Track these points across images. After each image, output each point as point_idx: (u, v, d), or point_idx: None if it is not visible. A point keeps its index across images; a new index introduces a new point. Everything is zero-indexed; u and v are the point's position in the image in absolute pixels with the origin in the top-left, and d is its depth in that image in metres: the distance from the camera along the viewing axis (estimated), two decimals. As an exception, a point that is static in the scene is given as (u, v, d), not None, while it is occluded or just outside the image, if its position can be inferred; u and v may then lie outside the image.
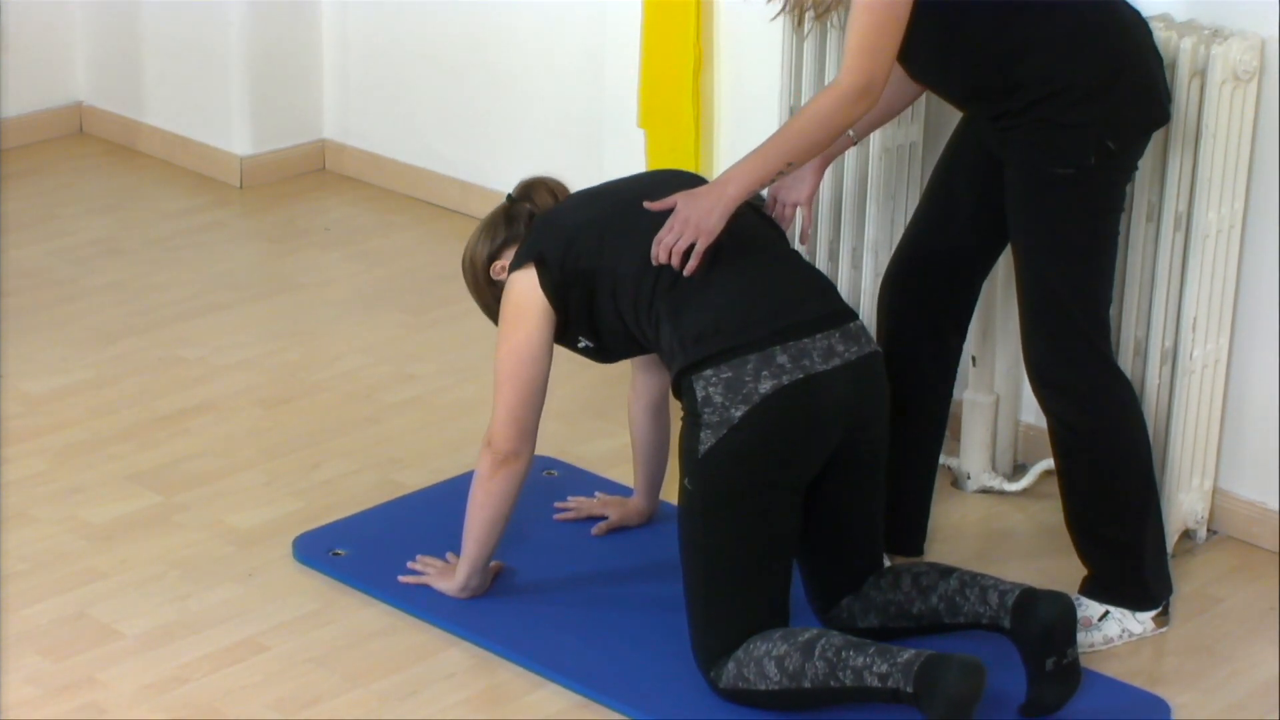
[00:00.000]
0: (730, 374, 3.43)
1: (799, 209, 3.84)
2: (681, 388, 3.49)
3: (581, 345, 3.69)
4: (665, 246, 3.51)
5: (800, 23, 3.84)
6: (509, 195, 3.78)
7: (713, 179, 3.61)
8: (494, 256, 3.73)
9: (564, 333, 3.66)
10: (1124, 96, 3.51)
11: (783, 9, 3.67)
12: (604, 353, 3.71)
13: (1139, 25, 3.58)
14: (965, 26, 3.51)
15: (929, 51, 3.55)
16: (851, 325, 3.51)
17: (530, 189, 3.79)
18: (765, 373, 3.42)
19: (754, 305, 3.49)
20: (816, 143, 3.53)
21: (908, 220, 3.97)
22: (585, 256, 3.58)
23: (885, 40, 3.45)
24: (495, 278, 3.74)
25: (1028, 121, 3.52)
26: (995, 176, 3.65)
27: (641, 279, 3.54)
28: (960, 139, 3.81)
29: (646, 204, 3.58)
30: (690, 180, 3.72)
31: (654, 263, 3.52)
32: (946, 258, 3.81)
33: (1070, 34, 3.49)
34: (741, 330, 3.45)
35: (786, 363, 3.43)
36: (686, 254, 3.51)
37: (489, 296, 3.77)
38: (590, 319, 3.63)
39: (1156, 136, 3.79)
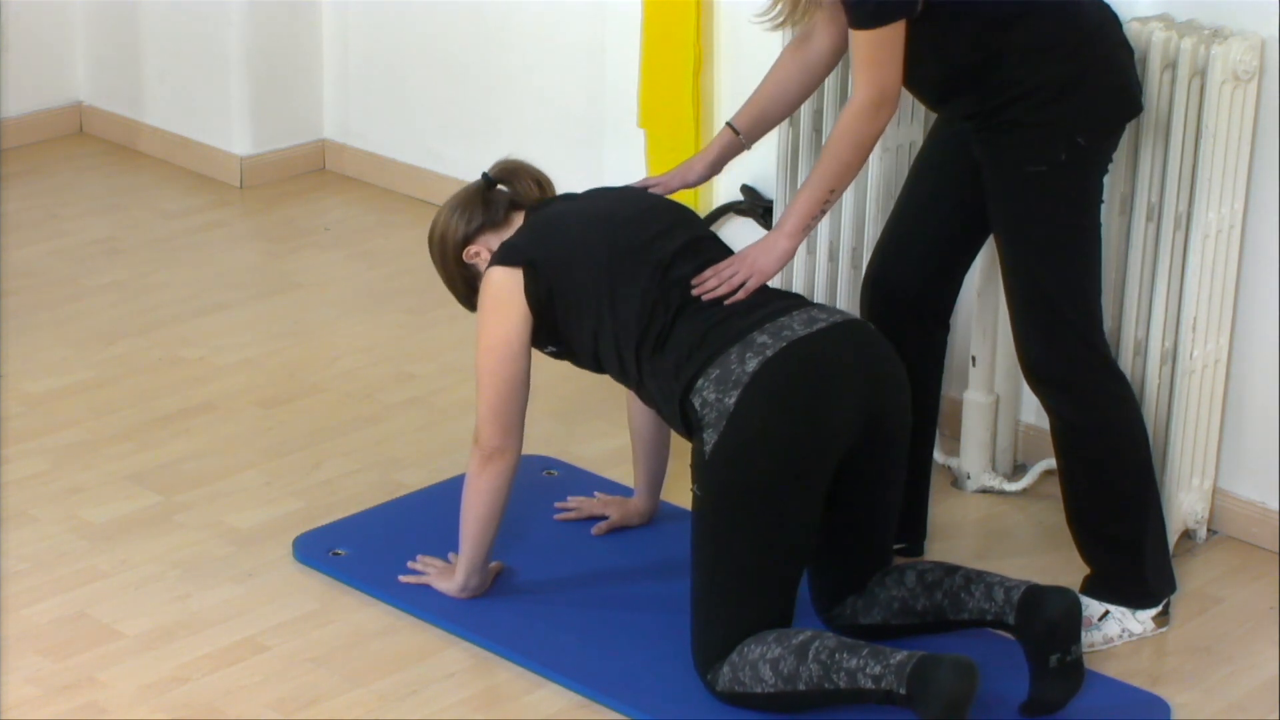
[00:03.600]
0: (718, 371, 3.43)
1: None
2: (684, 414, 3.49)
3: (549, 350, 3.70)
4: (719, 278, 3.55)
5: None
6: (485, 175, 3.77)
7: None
8: (469, 239, 3.73)
9: (534, 336, 3.66)
10: (1092, 94, 3.55)
11: (783, 20, 3.67)
12: (571, 358, 3.72)
13: (1109, 23, 3.61)
14: (940, 45, 3.54)
15: (909, 61, 3.59)
16: (830, 307, 3.53)
17: (512, 175, 3.78)
18: (749, 354, 3.43)
19: (729, 318, 3.50)
20: (849, 163, 3.56)
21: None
22: (579, 290, 3.58)
23: (889, 53, 3.48)
24: (467, 261, 3.74)
25: (998, 123, 3.56)
26: (972, 170, 3.67)
27: (626, 340, 3.56)
28: (936, 134, 3.83)
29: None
30: (678, 209, 3.73)
31: (696, 285, 3.54)
32: (925, 252, 3.83)
33: (1038, 39, 3.52)
34: (720, 341, 3.46)
35: (768, 340, 3.44)
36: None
37: (457, 276, 3.77)
38: (566, 340, 3.65)
39: (1157, 137, 3.80)
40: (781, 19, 3.65)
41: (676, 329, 3.52)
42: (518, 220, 3.74)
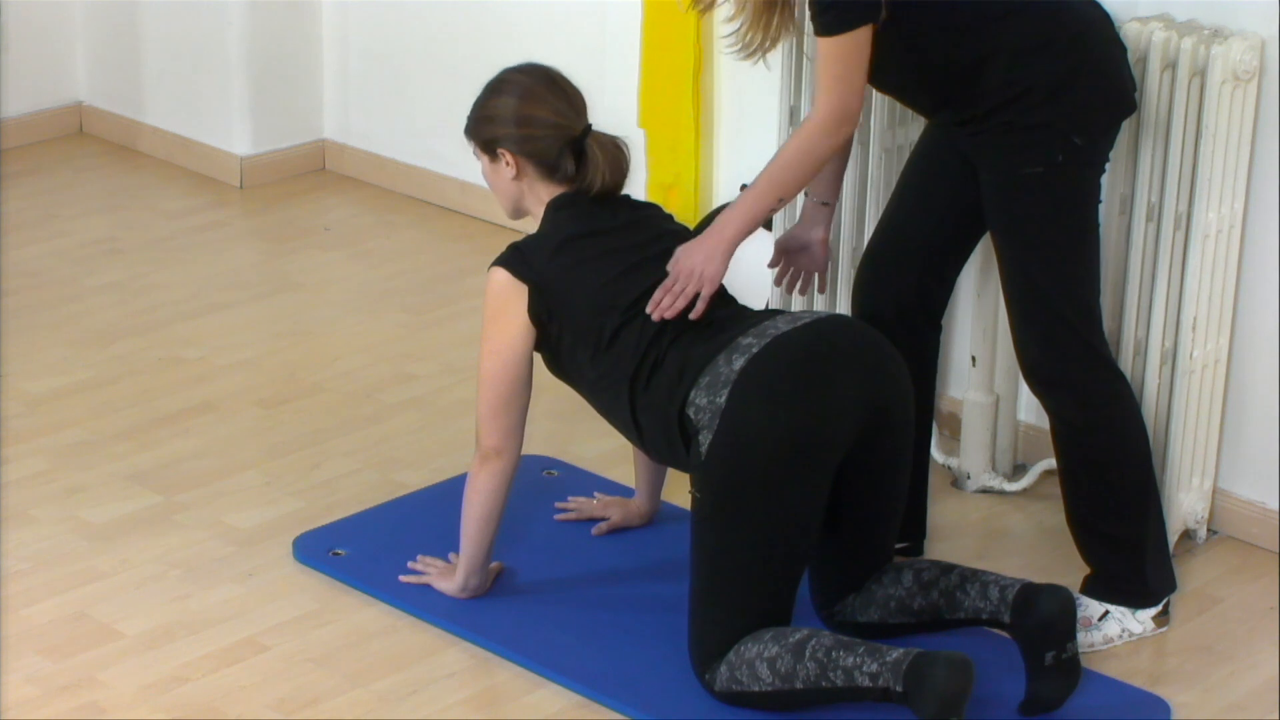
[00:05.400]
0: (708, 378, 3.43)
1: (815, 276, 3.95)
2: (681, 429, 3.48)
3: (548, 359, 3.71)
4: (672, 295, 3.54)
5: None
6: (589, 128, 3.64)
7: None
8: (509, 149, 3.65)
9: (536, 344, 3.66)
10: (1086, 93, 3.54)
11: (755, 48, 3.66)
12: (564, 376, 3.72)
13: (1100, 21, 3.61)
14: (925, 48, 3.55)
15: (891, 71, 3.61)
16: (815, 310, 3.54)
17: (593, 161, 3.64)
18: (735, 355, 3.43)
19: (714, 337, 3.51)
20: (802, 176, 3.59)
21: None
22: (579, 328, 3.58)
23: (853, 69, 3.50)
24: (497, 150, 3.67)
25: (993, 125, 3.56)
26: (966, 171, 3.68)
27: (620, 377, 3.55)
28: (930, 136, 3.84)
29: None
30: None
31: (654, 318, 3.54)
32: (917, 253, 3.83)
33: (1027, 38, 3.53)
34: (708, 354, 3.47)
35: (753, 341, 3.45)
36: (691, 302, 3.56)
37: (477, 134, 3.68)
38: (557, 357, 3.65)
39: (1156, 137, 3.80)
40: (754, 47, 3.64)
41: (665, 362, 3.52)
42: (556, 188, 3.68)
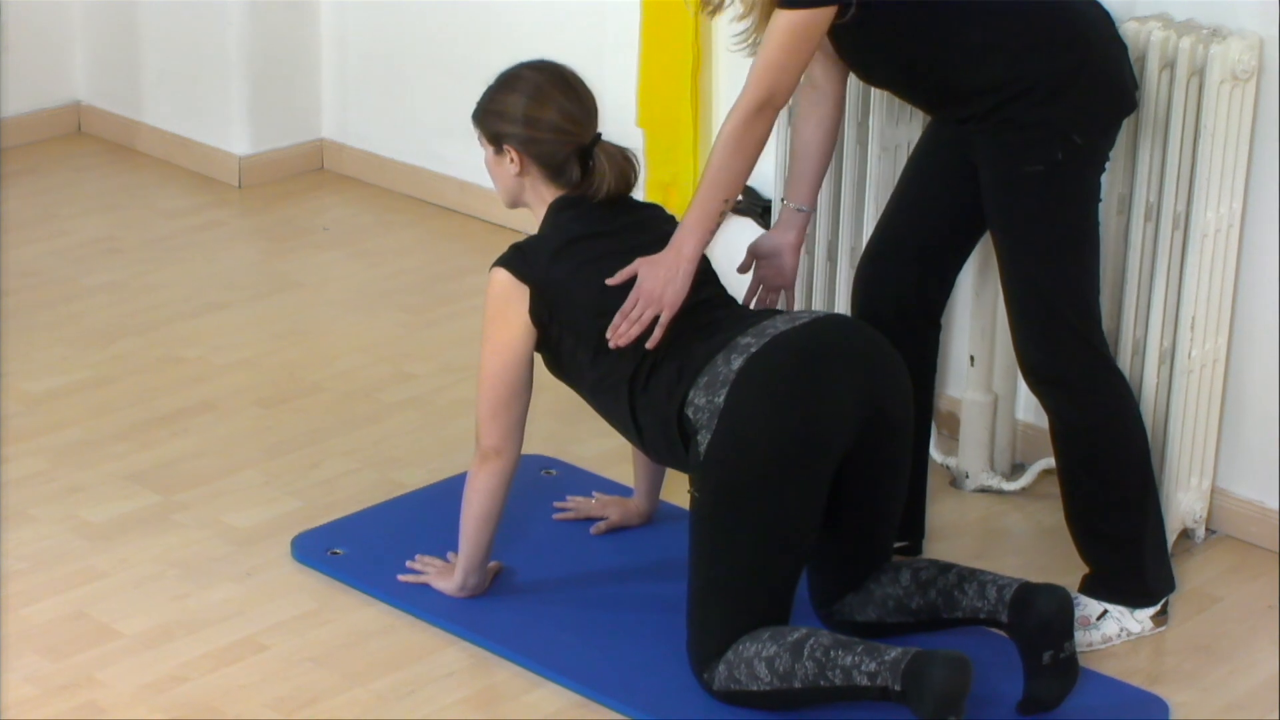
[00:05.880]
0: (706, 378, 3.43)
1: (783, 293, 3.89)
2: (680, 429, 3.48)
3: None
4: (630, 321, 3.52)
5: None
6: (599, 136, 3.66)
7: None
8: (514, 146, 3.64)
9: (536, 344, 3.66)
10: (1086, 91, 3.54)
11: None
12: (564, 377, 3.72)
13: (1100, 19, 3.61)
14: (922, 41, 3.55)
15: (890, 67, 3.61)
16: (813, 310, 3.53)
17: (599, 169, 3.64)
18: (734, 355, 3.43)
19: (713, 336, 3.50)
20: (739, 170, 3.56)
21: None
22: (578, 330, 3.58)
23: (793, 59, 3.50)
24: (503, 143, 3.66)
25: (993, 123, 3.56)
26: (966, 171, 3.67)
27: (619, 379, 3.55)
28: (932, 135, 3.84)
29: (608, 281, 3.56)
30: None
31: (611, 345, 3.53)
32: (917, 252, 3.83)
33: (1026, 35, 3.53)
34: (707, 354, 3.46)
35: (752, 340, 3.44)
36: (650, 325, 3.54)
37: (483, 130, 3.68)
38: (557, 359, 3.65)
39: (1155, 137, 3.80)
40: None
41: (664, 362, 3.52)
42: (559, 190, 3.68)
